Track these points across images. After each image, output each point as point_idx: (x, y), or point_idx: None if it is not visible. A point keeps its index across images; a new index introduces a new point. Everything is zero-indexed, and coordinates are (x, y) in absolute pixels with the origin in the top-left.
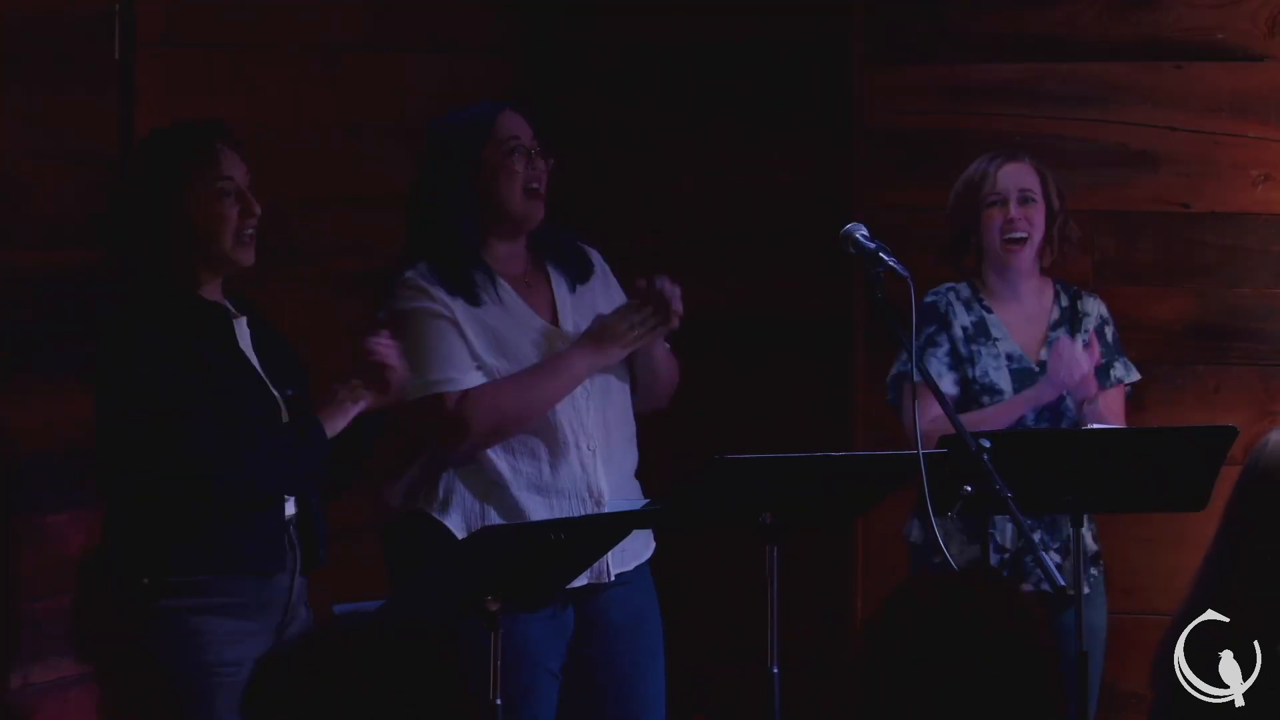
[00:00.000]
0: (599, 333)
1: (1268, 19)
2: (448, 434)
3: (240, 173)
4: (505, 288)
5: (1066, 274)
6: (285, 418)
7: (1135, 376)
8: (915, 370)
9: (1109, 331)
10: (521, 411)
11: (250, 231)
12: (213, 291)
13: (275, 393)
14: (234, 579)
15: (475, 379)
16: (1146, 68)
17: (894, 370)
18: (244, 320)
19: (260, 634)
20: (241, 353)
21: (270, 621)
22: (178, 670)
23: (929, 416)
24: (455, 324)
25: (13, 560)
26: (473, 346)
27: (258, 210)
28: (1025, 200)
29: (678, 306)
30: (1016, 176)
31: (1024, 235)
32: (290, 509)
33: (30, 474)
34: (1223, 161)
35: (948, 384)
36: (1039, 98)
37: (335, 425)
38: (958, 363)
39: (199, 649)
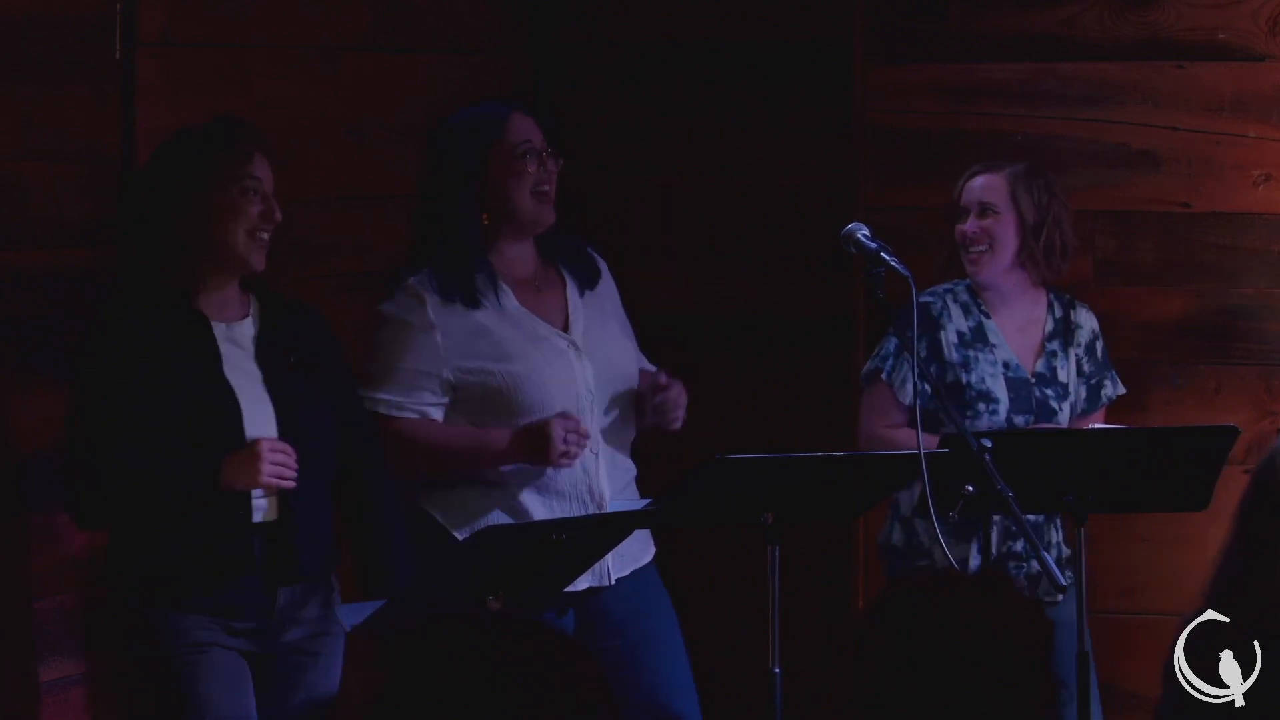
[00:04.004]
0: (534, 440)
1: (1269, 19)
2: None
3: (268, 179)
4: (507, 292)
5: (1068, 275)
6: (274, 423)
7: (1121, 390)
8: (915, 371)
9: (1099, 347)
10: (429, 467)
11: (265, 235)
12: (219, 294)
13: (270, 395)
14: (202, 581)
15: (423, 406)
16: (1147, 68)
17: (868, 365)
18: (245, 323)
19: (244, 635)
20: (211, 362)
21: (247, 624)
22: (150, 656)
23: (887, 423)
24: (435, 344)
25: (13, 560)
26: (458, 351)
27: (278, 216)
28: (985, 213)
29: (677, 414)
30: (980, 190)
31: (981, 249)
32: (259, 516)
33: (30, 474)
34: (1223, 161)
35: (908, 393)
36: (1039, 98)
37: (234, 480)
38: (941, 369)
39: (175, 635)
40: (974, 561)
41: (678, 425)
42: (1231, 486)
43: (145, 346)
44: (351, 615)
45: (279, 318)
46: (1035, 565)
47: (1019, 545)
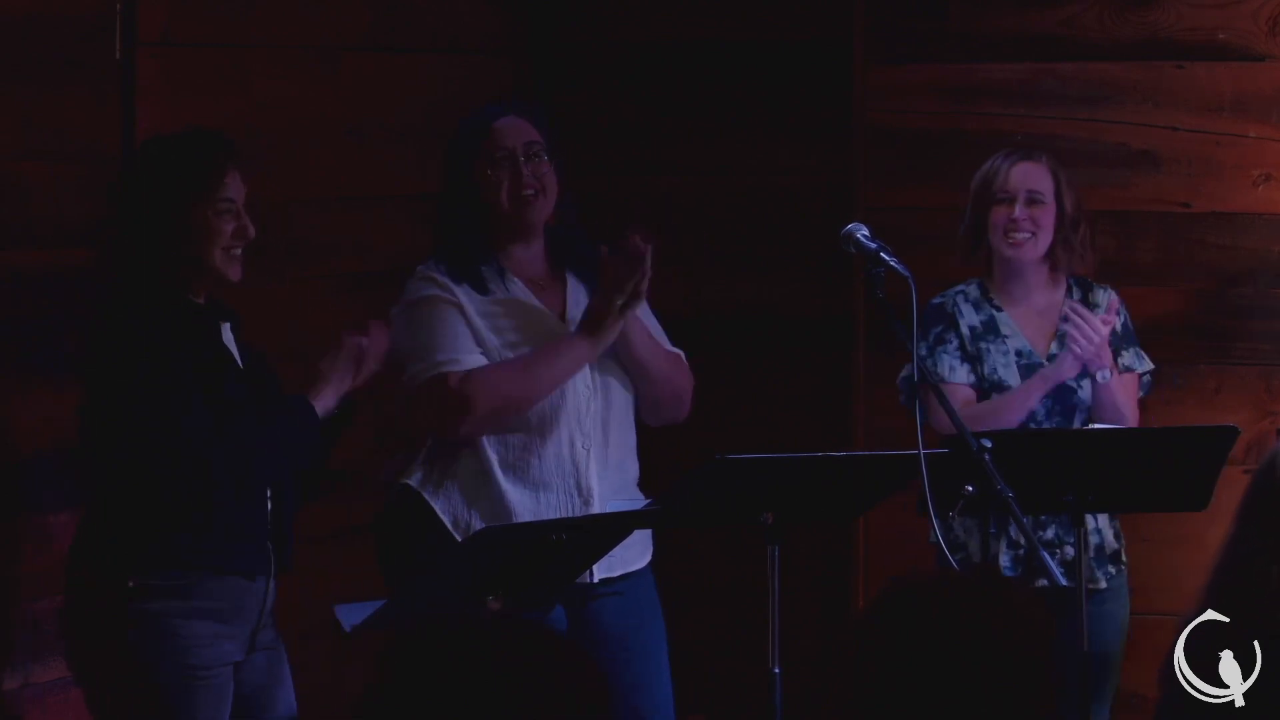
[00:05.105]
0: (590, 315)
1: (1269, 19)
2: (450, 414)
3: (240, 195)
4: (515, 282)
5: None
6: None
7: (1147, 366)
8: (916, 371)
9: (1118, 322)
10: (521, 393)
11: (238, 251)
12: (199, 297)
13: (256, 395)
14: (218, 581)
15: (477, 360)
16: (1147, 68)
17: (904, 372)
18: (228, 325)
19: (237, 638)
20: (228, 351)
21: (246, 626)
22: (159, 672)
23: (961, 402)
24: (459, 308)
25: (13, 560)
26: (477, 330)
27: (252, 234)
28: (1033, 201)
29: (646, 264)
30: (1027, 177)
31: (1027, 235)
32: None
33: (30, 474)
34: (1223, 161)
35: (962, 375)
36: (1039, 98)
37: (324, 402)
38: (968, 357)
39: (180, 651)
40: (1004, 558)
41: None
42: (1231, 486)
43: (168, 343)
44: (351, 615)
45: (236, 322)
46: (1070, 551)
47: (1049, 533)
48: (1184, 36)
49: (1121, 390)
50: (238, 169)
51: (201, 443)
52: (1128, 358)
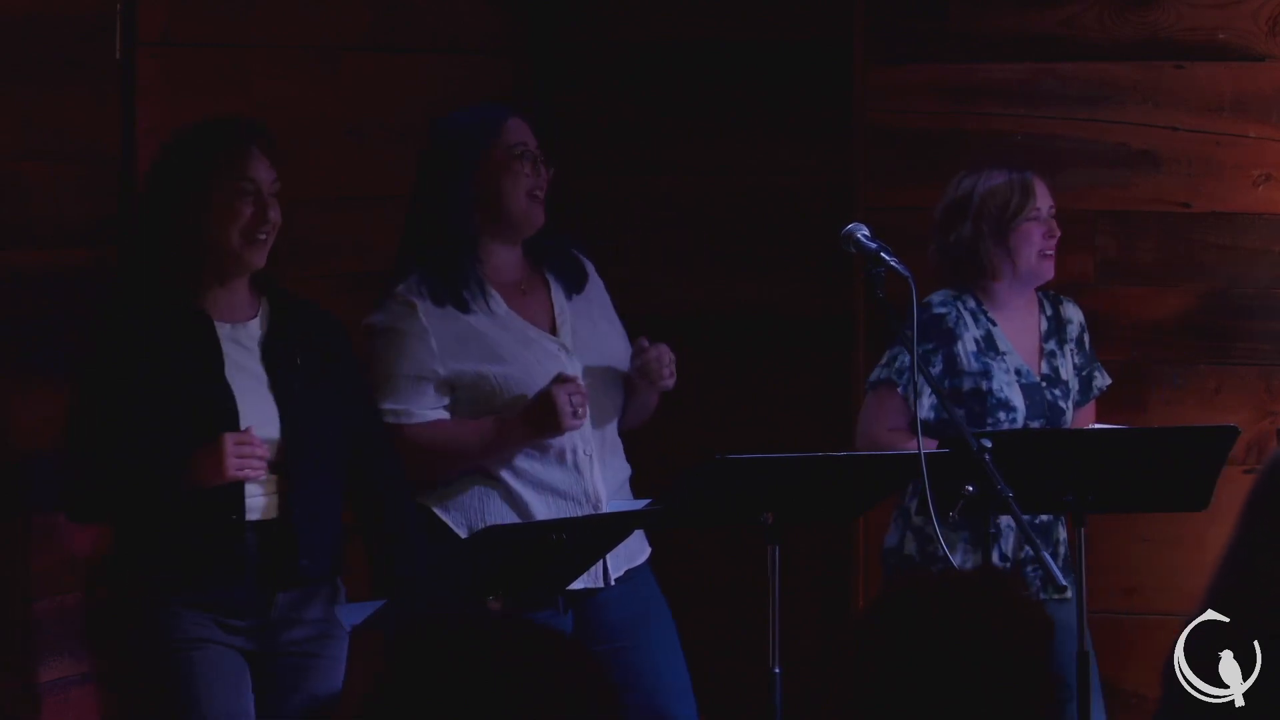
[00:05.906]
0: (541, 411)
1: (1269, 19)
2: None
3: (267, 177)
4: (496, 298)
5: (1068, 275)
6: (278, 425)
7: (1108, 381)
8: (916, 370)
9: (1086, 339)
10: (445, 467)
11: (262, 236)
12: (228, 294)
13: (274, 397)
14: (192, 583)
15: (427, 415)
16: (1147, 68)
17: (878, 374)
18: (252, 324)
19: (240, 632)
20: (212, 365)
21: (245, 623)
22: (147, 652)
23: (889, 426)
24: (429, 347)
25: (13, 560)
26: (453, 355)
27: (273, 216)
28: (1053, 217)
29: (666, 377)
30: (1047, 194)
31: (1052, 251)
32: (256, 514)
33: (31, 474)
34: (1223, 161)
35: (924, 408)
36: (1039, 98)
37: (202, 475)
38: (958, 380)
39: (166, 629)
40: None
41: (668, 384)
42: (1231, 486)
43: (147, 347)
44: (351, 615)
45: (289, 319)
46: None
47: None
48: (1184, 36)
49: (1093, 417)
50: (264, 153)
51: (74, 462)
52: (1098, 379)
